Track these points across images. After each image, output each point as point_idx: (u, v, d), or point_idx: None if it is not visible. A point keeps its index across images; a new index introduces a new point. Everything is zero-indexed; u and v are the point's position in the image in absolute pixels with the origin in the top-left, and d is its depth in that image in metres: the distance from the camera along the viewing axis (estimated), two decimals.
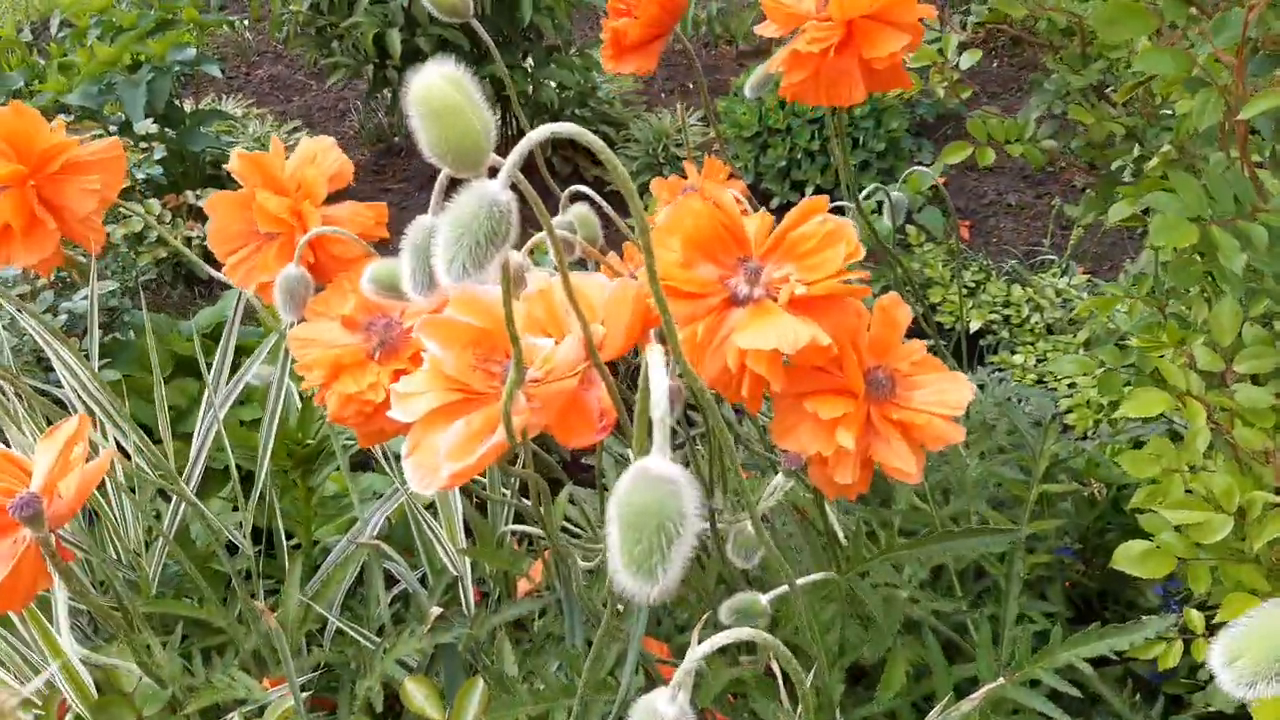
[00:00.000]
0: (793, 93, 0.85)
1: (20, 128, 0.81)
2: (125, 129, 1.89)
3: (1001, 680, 0.71)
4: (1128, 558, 0.75)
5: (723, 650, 0.89)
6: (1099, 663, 1.05)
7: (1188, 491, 0.73)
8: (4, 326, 1.28)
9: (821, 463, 0.72)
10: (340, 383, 0.71)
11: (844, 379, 0.72)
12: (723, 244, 0.70)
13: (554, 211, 0.76)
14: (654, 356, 0.45)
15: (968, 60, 0.99)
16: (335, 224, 0.82)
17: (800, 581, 0.70)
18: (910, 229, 2.05)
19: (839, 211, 0.92)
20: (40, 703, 0.69)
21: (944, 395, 0.72)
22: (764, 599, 0.70)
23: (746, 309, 0.69)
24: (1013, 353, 1.75)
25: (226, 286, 1.73)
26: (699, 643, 0.68)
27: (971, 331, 1.84)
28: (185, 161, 2.06)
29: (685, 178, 1.13)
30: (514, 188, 0.47)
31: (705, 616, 0.80)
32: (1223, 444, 0.74)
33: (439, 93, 0.42)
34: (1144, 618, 0.74)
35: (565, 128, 0.44)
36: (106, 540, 0.96)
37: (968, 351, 1.83)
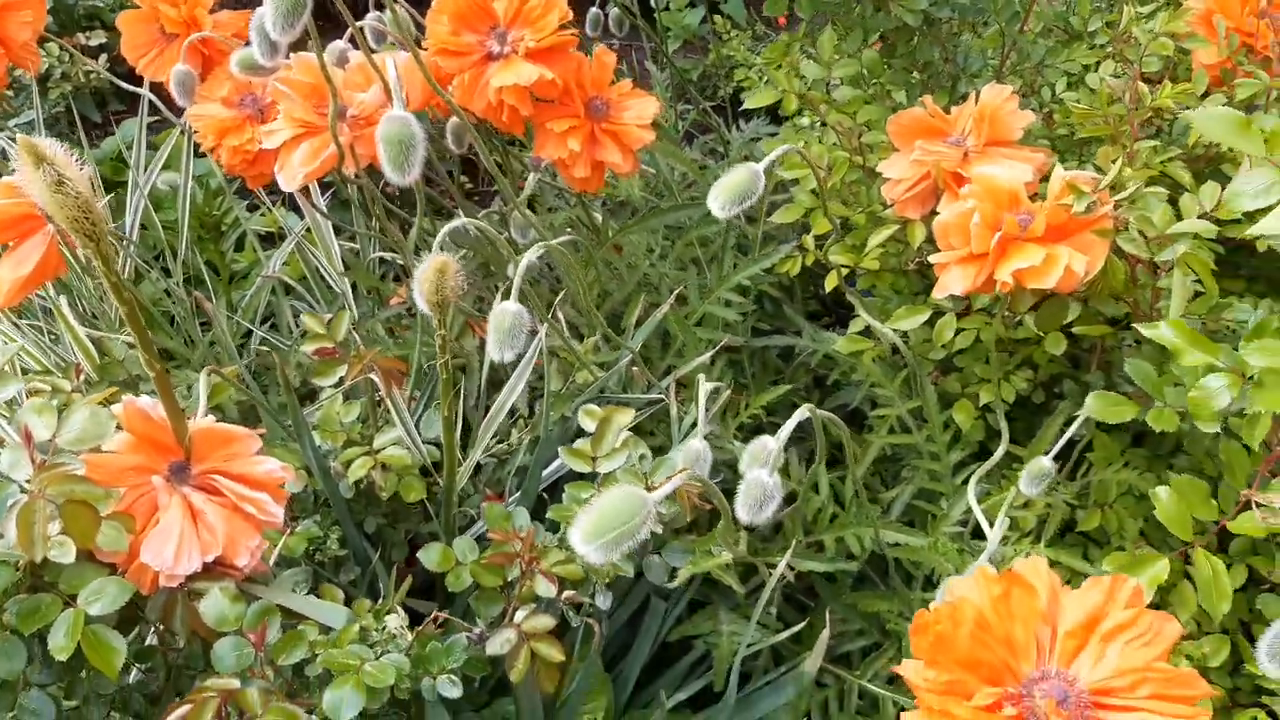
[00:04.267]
0: None
1: None
2: None
3: (678, 288, 1.11)
4: (781, 214, 1.13)
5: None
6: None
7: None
8: None
9: (564, 165, 1.08)
10: (227, 139, 1.04)
11: (573, 107, 1.07)
12: (478, 17, 1.04)
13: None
14: (390, 67, 0.79)
15: None
16: (221, 28, 1.12)
17: (558, 241, 1.07)
18: (718, 19, 2.36)
19: None
20: (62, 368, 1.03)
21: (641, 111, 1.08)
22: (532, 254, 1.07)
23: (499, 61, 1.03)
24: None
25: (120, 121, 1.99)
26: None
27: None
28: (62, 13, 2.26)
29: None
30: None
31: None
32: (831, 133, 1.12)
33: None
34: (780, 246, 1.14)
35: None
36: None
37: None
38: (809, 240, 1.10)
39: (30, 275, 0.86)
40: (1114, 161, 0.85)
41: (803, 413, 0.70)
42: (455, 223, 0.80)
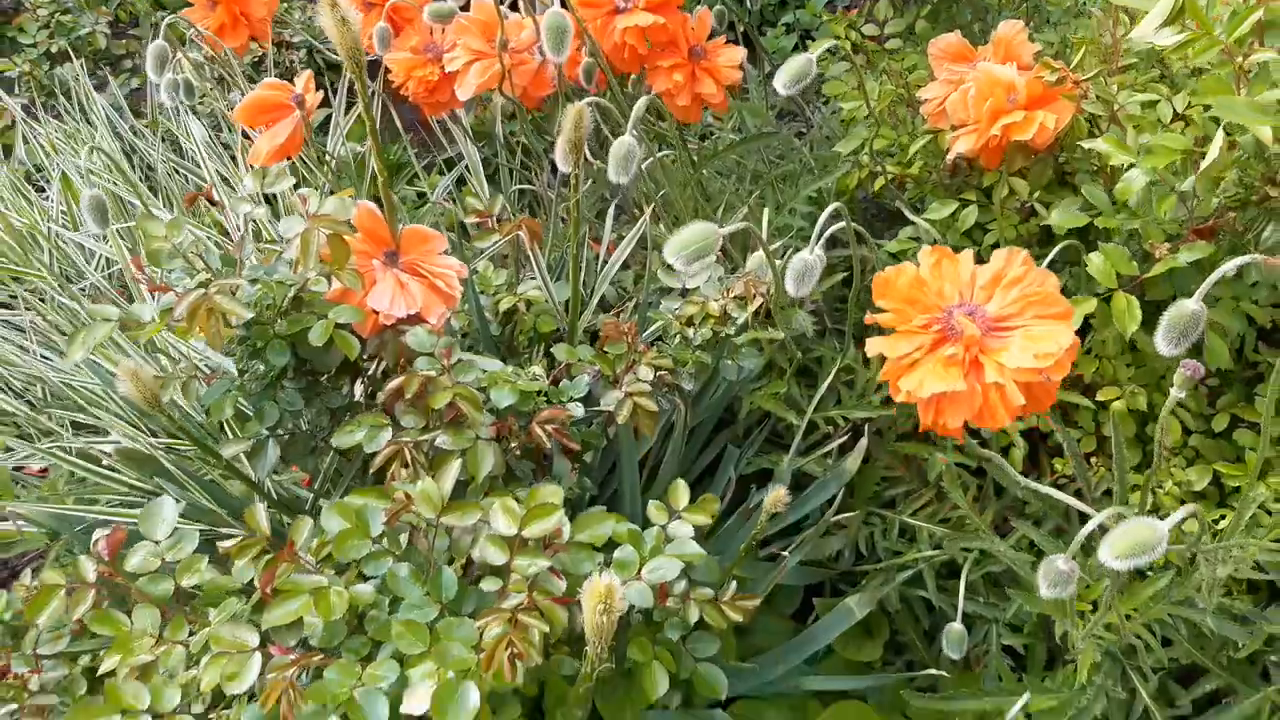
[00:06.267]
0: None
1: None
2: None
3: (756, 197, 1.38)
4: (842, 144, 1.40)
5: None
6: None
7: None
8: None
9: (670, 95, 1.37)
10: (415, 73, 1.37)
11: (679, 51, 1.37)
12: None
13: None
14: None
15: None
16: None
17: (653, 157, 1.36)
18: (810, 43, 2.67)
19: None
20: None
21: (730, 57, 1.38)
22: (644, 104, 1.36)
23: (623, 13, 1.34)
24: None
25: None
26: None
27: None
28: None
29: None
30: None
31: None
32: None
33: None
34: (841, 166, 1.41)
35: None
36: None
37: None
38: (865, 158, 1.37)
39: (282, 146, 1.19)
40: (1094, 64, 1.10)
41: (835, 214, 0.96)
42: (584, 102, 1.10)
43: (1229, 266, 0.69)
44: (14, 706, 0.93)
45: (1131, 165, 0.86)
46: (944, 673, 1.18)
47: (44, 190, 1.73)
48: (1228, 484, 1.13)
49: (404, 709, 0.74)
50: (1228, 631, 1.03)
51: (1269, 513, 1.01)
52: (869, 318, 0.78)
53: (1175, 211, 0.88)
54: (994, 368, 0.71)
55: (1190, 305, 0.72)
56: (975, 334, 0.72)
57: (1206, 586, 1.03)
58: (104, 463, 1.18)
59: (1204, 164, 0.79)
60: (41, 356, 1.33)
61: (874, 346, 0.76)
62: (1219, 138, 0.77)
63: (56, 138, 1.66)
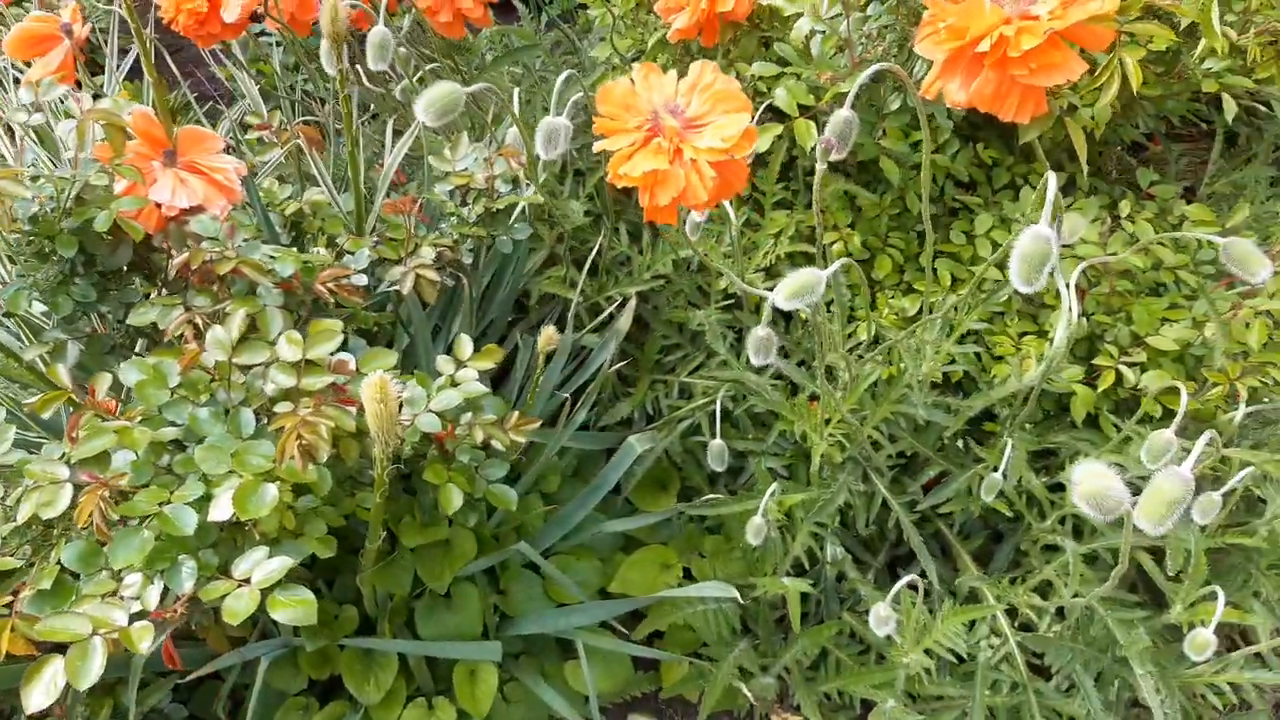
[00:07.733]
0: None
1: None
2: None
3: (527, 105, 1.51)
4: (597, 50, 1.54)
5: None
6: None
7: None
8: None
9: (432, 13, 1.48)
10: (183, 5, 1.43)
11: None
12: None
13: None
14: None
15: None
16: None
17: (429, 66, 1.47)
18: None
19: None
20: None
21: None
22: (411, 74, 1.46)
23: None
24: None
25: None
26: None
27: None
28: None
29: None
30: None
31: None
32: None
33: None
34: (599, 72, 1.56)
35: None
36: None
37: None
38: (614, 59, 1.52)
39: (53, 71, 1.24)
40: None
41: (569, 79, 1.10)
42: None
43: (866, 75, 0.86)
44: None
45: (800, 15, 1.04)
46: (720, 496, 1.35)
47: None
48: (935, 306, 1.34)
49: (210, 517, 0.83)
50: (936, 418, 1.23)
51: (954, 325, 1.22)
52: (596, 125, 0.92)
53: (846, 60, 1.06)
54: (690, 149, 0.86)
55: (843, 113, 0.89)
56: (676, 126, 0.87)
57: (917, 384, 1.23)
58: None
59: None
60: None
61: (599, 145, 0.90)
62: None
63: None
